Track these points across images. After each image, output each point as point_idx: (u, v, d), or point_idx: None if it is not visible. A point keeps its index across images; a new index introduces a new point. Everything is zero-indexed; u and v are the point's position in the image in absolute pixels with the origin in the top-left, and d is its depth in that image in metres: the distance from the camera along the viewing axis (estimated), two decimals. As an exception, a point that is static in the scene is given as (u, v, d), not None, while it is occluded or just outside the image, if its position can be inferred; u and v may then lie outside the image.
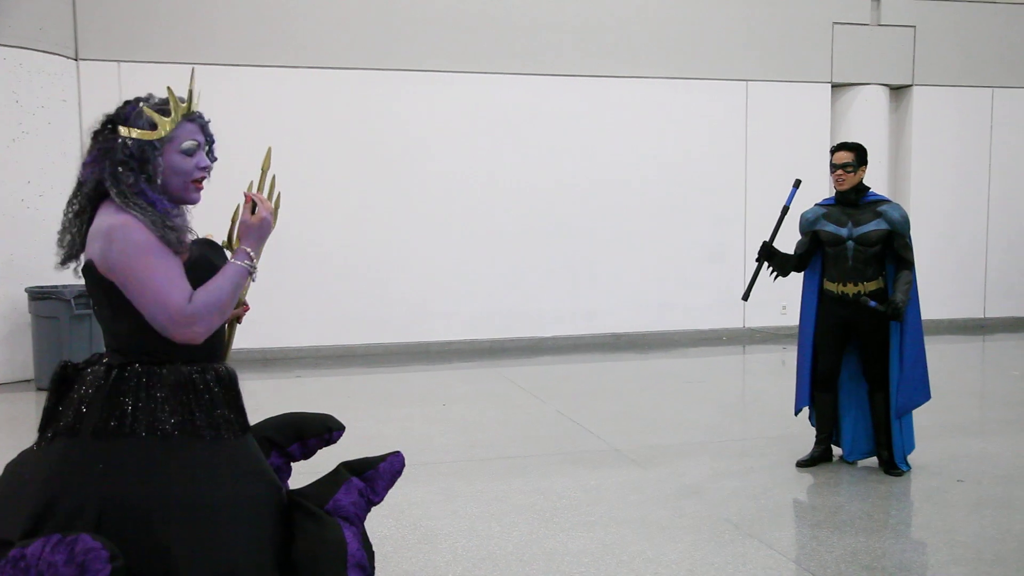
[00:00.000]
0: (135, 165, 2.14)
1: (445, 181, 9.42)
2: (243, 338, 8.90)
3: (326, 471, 2.43)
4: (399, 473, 2.43)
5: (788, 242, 5.89)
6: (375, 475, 2.36)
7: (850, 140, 5.42)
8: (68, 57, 8.37)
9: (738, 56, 10.15)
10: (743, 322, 10.34)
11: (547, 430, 6.04)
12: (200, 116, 2.26)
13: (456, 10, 9.30)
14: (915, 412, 5.37)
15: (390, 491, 4.58)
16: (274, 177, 2.56)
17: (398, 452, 2.45)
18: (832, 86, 10.58)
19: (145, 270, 2.05)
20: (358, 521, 2.28)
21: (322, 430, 2.48)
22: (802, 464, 5.12)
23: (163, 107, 2.20)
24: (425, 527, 4.17)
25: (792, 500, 4.62)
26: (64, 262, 2.21)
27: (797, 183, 5.13)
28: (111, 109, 2.23)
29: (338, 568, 2.12)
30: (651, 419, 6.32)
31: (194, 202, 2.27)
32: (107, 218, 2.10)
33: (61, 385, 2.15)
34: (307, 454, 2.49)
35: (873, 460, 5.16)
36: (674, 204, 10.10)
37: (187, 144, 2.21)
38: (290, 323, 9.08)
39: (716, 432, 5.97)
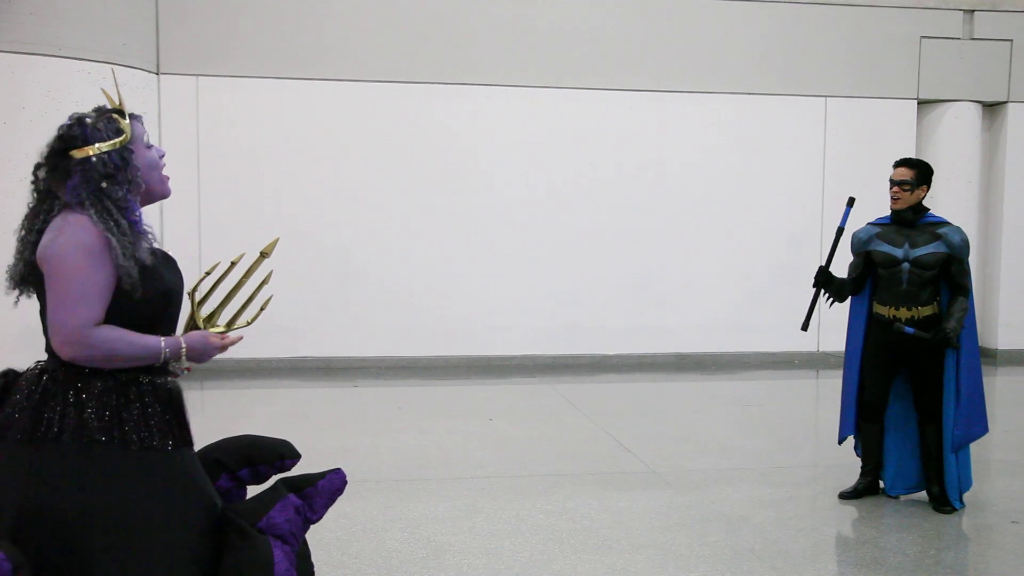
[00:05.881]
0: (120, 176, 2.17)
1: (510, 197, 9.41)
2: (306, 347, 9.14)
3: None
4: (340, 491, 2.36)
5: (839, 265, 5.63)
6: (313, 492, 2.30)
7: (930, 159, 5.18)
8: (150, 72, 8.72)
9: (816, 71, 9.85)
10: (817, 346, 9.99)
11: (587, 449, 5.94)
12: (132, 112, 2.30)
13: (521, 25, 9.31)
14: (978, 447, 5.08)
15: (409, 504, 4.62)
16: (270, 274, 2.56)
17: (339, 469, 2.39)
18: (918, 103, 10.15)
19: (72, 270, 2.06)
20: (292, 539, 2.23)
21: (274, 458, 2.42)
22: (845, 496, 4.89)
23: (112, 113, 2.23)
24: (437, 542, 4.15)
25: (825, 533, 4.42)
26: (16, 285, 2.21)
27: (851, 202, 4.93)
28: (52, 136, 2.22)
29: None
30: (699, 442, 6.15)
31: (168, 194, 2.34)
32: (64, 217, 2.13)
33: (2, 392, 2.16)
34: (258, 479, 2.43)
35: (923, 495, 4.88)
36: (746, 222, 9.85)
37: (147, 137, 2.29)
38: (353, 334, 9.20)
39: (764, 459, 5.77)
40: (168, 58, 8.82)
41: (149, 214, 2.34)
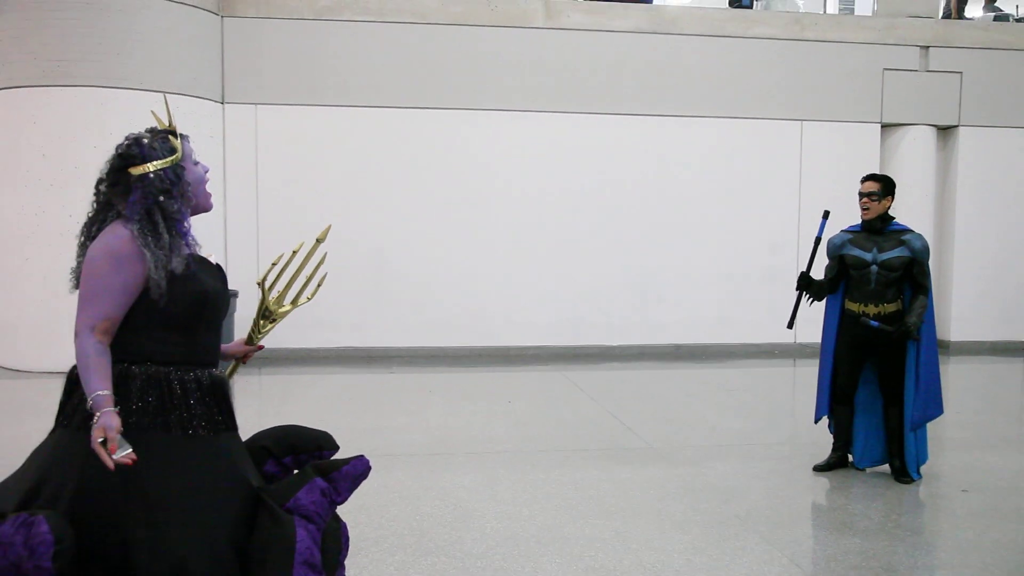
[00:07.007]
0: (175, 191, 2.12)
1: (526, 208, 9.41)
2: (349, 339, 9.17)
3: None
4: (364, 475, 2.23)
5: (817, 270, 5.59)
6: (338, 476, 2.19)
7: (892, 175, 5.16)
8: (216, 101, 8.77)
9: (793, 98, 9.80)
10: (795, 338, 9.91)
11: (594, 428, 5.93)
12: (182, 132, 2.26)
13: (537, 57, 9.31)
14: (934, 426, 5.03)
15: (439, 475, 4.62)
16: (325, 255, 2.50)
17: (362, 456, 2.26)
18: (882, 126, 10.08)
19: (95, 271, 2.03)
20: (318, 519, 2.14)
21: (313, 448, 2.32)
22: (818, 469, 4.86)
23: (165, 133, 2.19)
24: (464, 508, 4.15)
25: (801, 501, 4.39)
26: (77, 285, 2.12)
27: (826, 214, 4.90)
28: (111, 154, 2.16)
29: (284, 564, 2.01)
30: (691, 422, 6.13)
31: (211, 208, 2.28)
32: (112, 226, 2.10)
33: (70, 383, 2.12)
34: (300, 467, 2.30)
35: (886, 467, 4.84)
36: (733, 230, 9.81)
37: (195, 155, 2.23)
38: (390, 328, 9.22)
39: (748, 436, 5.74)
40: (231, 89, 8.87)
41: (211, 225, 2.32)
